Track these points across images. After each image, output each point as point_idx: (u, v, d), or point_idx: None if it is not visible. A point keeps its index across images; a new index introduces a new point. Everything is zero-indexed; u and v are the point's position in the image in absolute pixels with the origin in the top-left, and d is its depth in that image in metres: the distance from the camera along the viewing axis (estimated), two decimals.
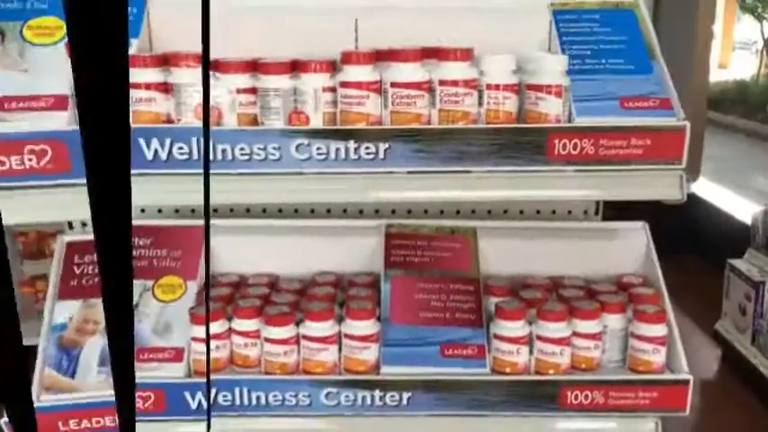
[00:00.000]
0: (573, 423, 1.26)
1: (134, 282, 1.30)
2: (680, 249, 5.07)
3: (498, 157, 1.17)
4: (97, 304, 1.24)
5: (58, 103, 1.06)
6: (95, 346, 1.24)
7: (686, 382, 1.23)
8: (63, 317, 1.26)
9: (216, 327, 1.25)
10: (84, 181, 1.04)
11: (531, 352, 1.26)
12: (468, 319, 1.30)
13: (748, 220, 3.91)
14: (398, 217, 1.49)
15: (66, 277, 1.30)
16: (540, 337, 1.25)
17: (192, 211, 1.54)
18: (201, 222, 1.41)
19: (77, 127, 1.03)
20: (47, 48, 1.10)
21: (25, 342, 1.20)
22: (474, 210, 1.57)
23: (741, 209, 4.67)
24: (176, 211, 1.54)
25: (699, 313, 4.23)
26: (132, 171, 1.11)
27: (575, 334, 1.26)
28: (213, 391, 1.22)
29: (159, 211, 1.53)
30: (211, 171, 1.17)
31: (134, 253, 1.34)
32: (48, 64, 1.09)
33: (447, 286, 1.34)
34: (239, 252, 1.43)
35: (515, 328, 1.25)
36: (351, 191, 1.19)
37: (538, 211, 1.57)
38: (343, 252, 1.44)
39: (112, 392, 1.17)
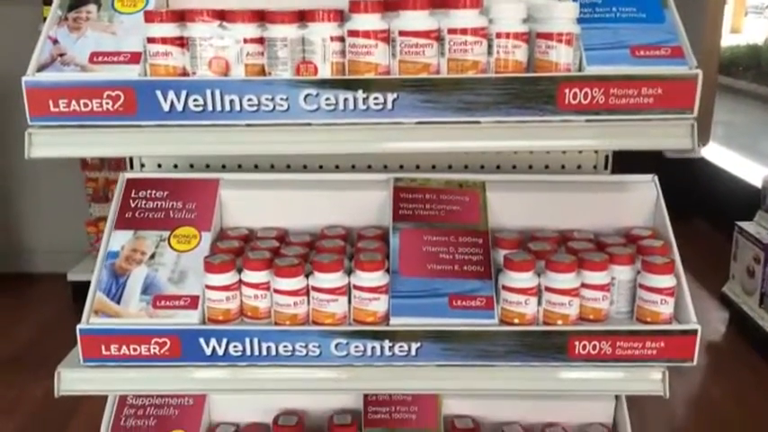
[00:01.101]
0: (580, 373, 1.26)
1: (151, 232, 1.33)
2: (689, 213, 5.08)
3: (508, 107, 1.16)
4: (146, 236, 1.34)
5: (134, 58, 1.20)
6: (140, 275, 1.30)
7: (694, 332, 1.23)
8: (117, 245, 1.33)
9: (226, 279, 1.26)
10: (147, 123, 1.13)
11: (539, 303, 1.27)
12: (477, 271, 1.31)
13: (758, 184, 3.89)
14: (407, 172, 1.48)
15: (122, 210, 1.38)
16: (548, 289, 1.25)
17: (207, 166, 1.55)
18: (216, 176, 1.42)
19: (146, 78, 1.17)
20: (131, 15, 1.25)
21: (82, 278, 1.25)
22: (483, 165, 1.57)
23: (751, 173, 4.64)
24: (191, 166, 1.55)
25: (706, 276, 4.23)
26: (150, 122, 1.14)
27: (583, 285, 1.26)
28: (224, 341, 1.24)
29: (175, 166, 1.55)
30: (219, 122, 1.17)
31: (151, 205, 1.37)
32: (130, 28, 1.23)
33: (455, 239, 1.35)
34: (248, 206, 1.44)
35: (524, 279, 1.25)
36: (359, 142, 1.19)
37: (547, 167, 1.57)
38: (351, 206, 1.44)
39: (151, 321, 1.21)
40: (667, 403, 3.25)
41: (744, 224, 3.76)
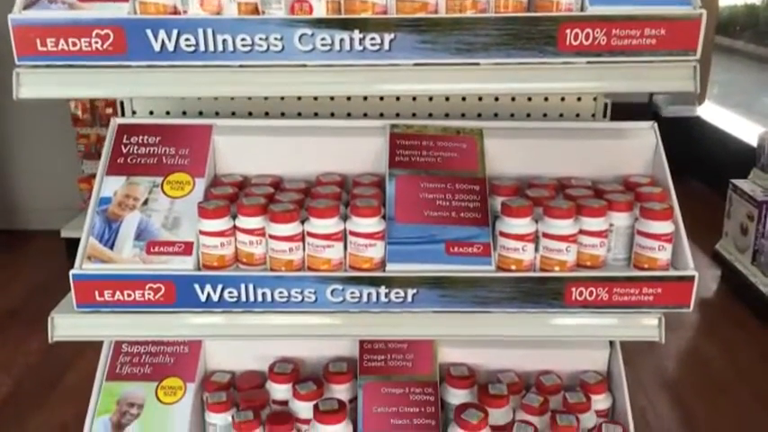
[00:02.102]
0: (577, 319, 1.26)
1: (143, 178, 1.31)
2: (684, 173, 5.05)
3: (507, 49, 1.13)
4: (139, 182, 1.32)
5: None
6: (133, 221, 1.28)
7: (691, 278, 1.23)
8: (109, 191, 1.31)
9: (220, 224, 1.24)
10: (137, 63, 1.10)
11: (536, 250, 1.26)
12: (474, 218, 1.30)
13: (754, 143, 3.88)
14: (403, 120, 1.46)
15: (114, 155, 1.36)
16: (545, 235, 1.24)
17: (200, 113, 1.53)
18: (209, 122, 1.39)
19: (136, 16, 1.12)
20: None
21: (76, 234, 1.20)
22: (480, 114, 1.55)
23: (747, 131, 4.62)
24: (183, 113, 1.53)
25: (700, 235, 4.24)
26: (141, 63, 1.11)
27: (581, 231, 1.25)
28: (219, 287, 1.23)
29: (167, 113, 1.52)
30: (212, 63, 1.14)
31: (143, 150, 1.34)
32: None
33: (452, 186, 1.33)
34: (242, 153, 1.41)
35: (521, 225, 1.24)
36: (355, 84, 1.16)
37: (545, 115, 1.55)
38: (347, 153, 1.42)
39: (145, 267, 1.20)
40: (659, 358, 3.30)
41: (738, 182, 3.76)
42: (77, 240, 1.26)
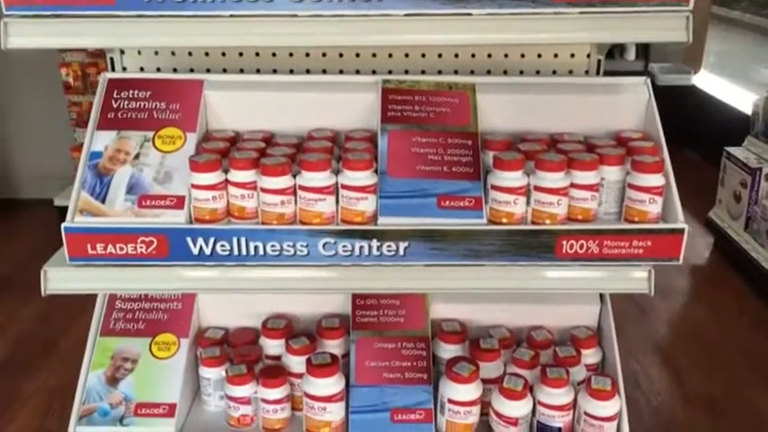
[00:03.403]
0: (567, 272, 1.27)
1: (134, 132, 1.30)
2: (679, 143, 5.05)
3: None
4: (130, 136, 1.31)
5: None
6: (125, 175, 1.27)
7: (681, 231, 1.24)
8: (99, 146, 1.30)
9: (212, 178, 1.24)
10: (126, 13, 1.09)
11: (527, 203, 1.26)
12: (466, 172, 1.30)
13: (749, 111, 3.88)
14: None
15: (104, 110, 1.35)
16: (537, 188, 1.25)
17: (191, 70, 1.52)
18: (200, 77, 1.38)
19: None
20: None
21: (68, 203, 1.17)
22: (473, 71, 1.54)
23: (742, 100, 4.62)
24: (174, 70, 1.52)
25: (694, 204, 4.25)
26: (129, 12, 1.10)
27: (572, 185, 1.25)
28: (211, 240, 1.23)
29: (158, 69, 1.51)
30: (203, 13, 1.13)
31: (134, 105, 1.33)
32: None
33: (445, 140, 1.33)
34: (234, 108, 1.41)
35: (513, 178, 1.24)
36: (346, 34, 1.16)
37: (538, 72, 1.54)
38: (339, 108, 1.41)
39: (136, 220, 1.20)
40: (651, 324, 3.33)
41: (732, 149, 3.77)
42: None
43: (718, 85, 5.19)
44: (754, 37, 7.69)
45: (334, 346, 1.44)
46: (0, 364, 2.94)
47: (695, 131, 5.06)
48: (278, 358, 1.45)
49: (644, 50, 5.43)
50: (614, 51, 5.25)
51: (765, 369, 2.93)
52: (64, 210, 1.24)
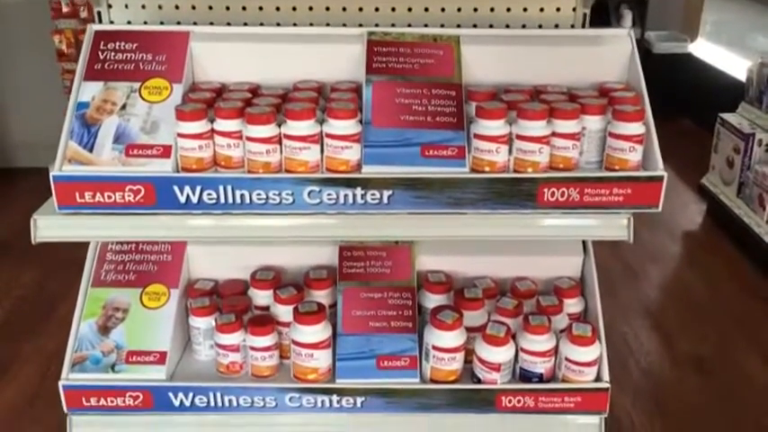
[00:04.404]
0: (549, 220, 1.29)
1: (121, 83, 1.32)
2: (675, 112, 5.07)
3: None
4: (117, 87, 1.33)
5: None
6: (112, 125, 1.29)
7: (660, 178, 1.25)
8: (87, 96, 1.32)
9: (198, 127, 1.26)
10: None
11: (510, 152, 1.28)
12: (450, 122, 1.31)
13: (744, 79, 3.87)
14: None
15: (91, 61, 1.36)
16: (519, 137, 1.26)
17: (178, 23, 1.52)
18: (186, 28, 1.39)
19: None
20: None
21: None
22: (459, 25, 1.55)
23: (738, 68, 4.61)
24: (161, 24, 1.52)
25: (687, 171, 4.29)
26: None
27: (554, 134, 1.27)
28: (198, 189, 1.25)
29: (144, 23, 1.52)
30: None
31: (120, 56, 1.34)
32: None
33: (429, 91, 1.34)
34: (220, 60, 1.42)
35: (495, 127, 1.26)
36: None
37: (524, 26, 1.55)
38: (325, 60, 1.42)
39: (123, 169, 1.22)
40: (642, 288, 3.36)
41: (726, 115, 3.78)
42: None
43: (714, 53, 5.18)
44: (751, 5, 7.65)
45: (321, 296, 1.47)
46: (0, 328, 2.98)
47: (691, 99, 5.06)
48: (266, 309, 1.48)
49: (640, 18, 5.41)
50: (611, 20, 5.23)
51: (754, 331, 2.98)
52: None
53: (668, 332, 2.97)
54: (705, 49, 5.22)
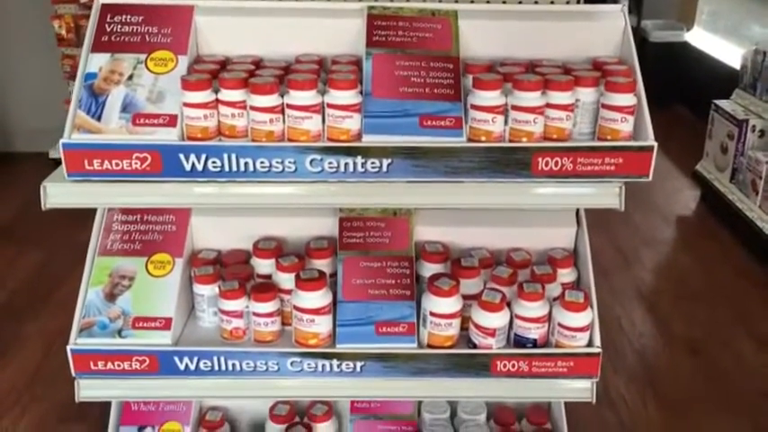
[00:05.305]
0: (543, 188, 1.33)
1: (127, 55, 1.35)
2: (670, 100, 5.11)
3: None
4: (123, 58, 1.36)
5: None
6: (119, 95, 1.33)
7: (651, 148, 1.29)
8: (94, 67, 1.35)
9: (202, 96, 1.29)
10: None
11: (506, 123, 1.32)
12: (447, 94, 1.35)
13: (738, 67, 3.91)
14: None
15: (98, 33, 1.40)
16: (514, 107, 1.30)
17: None
18: (190, 2, 1.43)
19: None
20: None
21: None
22: (457, 0, 1.58)
23: (733, 56, 4.65)
24: None
25: (682, 158, 4.33)
26: None
27: (548, 105, 1.31)
28: (203, 157, 1.29)
29: None
30: None
31: (126, 29, 1.38)
32: None
33: (427, 64, 1.38)
34: (224, 34, 1.45)
35: (491, 97, 1.30)
36: None
37: (520, 2, 1.58)
38: (326, 34, 1.46)
39: (131, 137, 1.25)
40: (636, 272, 3.41)
41: (720, 102, 3.82)
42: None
43: (710, 41, 5.21)
44: None
45: (322, 265, 1.51)
46: (0, 310, 3.02)
47: (686, 88, 5.10)
48: (268, 277, 1.52)
49: (637, 7, 5.44)
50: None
51: (747, 314, 3.02)
52: (59, 162, 1.29)
53: (661, 315, 3.02)
54: (701, 38, 5.26)
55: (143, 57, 1.37)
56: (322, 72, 1.40)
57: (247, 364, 1.42)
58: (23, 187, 4.11)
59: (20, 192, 4.06)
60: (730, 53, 4.78)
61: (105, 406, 1.70)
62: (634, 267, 3.40)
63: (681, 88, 5.02)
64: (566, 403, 1.76)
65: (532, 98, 1.29)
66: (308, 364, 1.42)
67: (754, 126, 3.56)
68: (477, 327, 1.42)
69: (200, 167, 1.29)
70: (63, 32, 4.02)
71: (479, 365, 1.43)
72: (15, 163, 4.50)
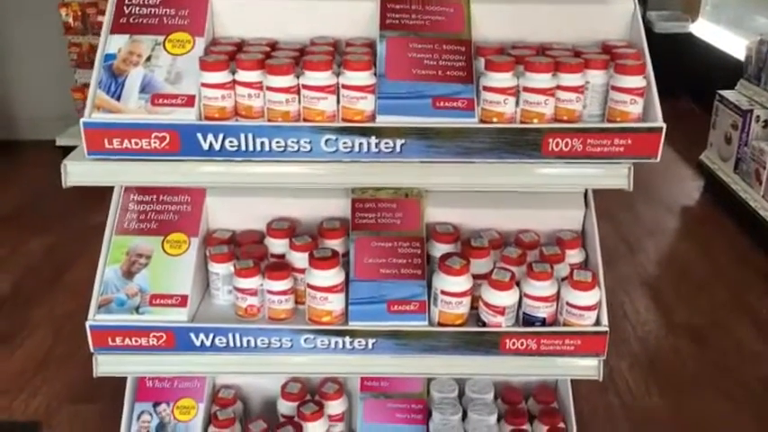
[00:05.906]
0: (553, 169, 1.35)
1: (145, 37, 1.38)
2: (675, 91, 5.11)
3: None
4: (141, 40, 1.39)
5: None
6: (138, 75, 1.35)
7: (659, 129, 1.32)
8: (113, 48, 1.38)
9: (220, 77, 1.32)
10: None
11: (517, 104, 1.34)
12: (459, 76, 1.37)
13: (743, 58, 3.93)
14: None
15: (117, 15, 1.42)
16: (525, 89, 1.33)
17: None
18: None
19: None
20: None
21: (71, 143, 1.25)
22: None
23: (737, 47, 4.66)
24: None
25: (686, 149, 4.35)
26: None
27: (558, 87, 1.33)
28: (220, 136, 1.31)
29: None
30: None
31: (144, 11, 1.40)
32: None
33: (440, 47, 1.40)
34: (239, 16, 1.48)
35: (503, 79, 1.32)
36: None
37: None
38: (340, 17, 1.48)
39: (150, 117, 1.28)
40: (639, 261, 3.43)
41: (724, 92, 3.84)
42: (73, 149, 1.34)
43: (714, 33, 5.22)
44: None
45: (335, 245, 1.54)
46: (8, 295, 3.05)
47: (691, 78, 5.11)
48: (282, 257, 1.55)
49: None
50: None
51: (749, 302, 3.05)
52: (66, 150, 1.32)
53: (665, 303, 3.05)
54: (705, 29, 5.27)
55: (161, 38, 1.39)
56: (336, 54, 1.43)
57: (262, 340, 1.45)
58: (31, 175, 4.15)
59: (27, 179, 4.09)
60: (734, 44, 4.79)
61: (116, 387, 1.73)
62: (638, 256, 3.43)
63: (685, 79, 5.03)
64: (570, 388, 1.79)
65: (544, 80, 1.31)
66: (321, 341, 1.45)
67: (758, 116, 3.58)
68: (487, 305, 1.45)
69: (217, 147, 1.32)
70: (70, 20, 4.04)
71: (489, 343, 1.45)
72: (23, 151, 4.53)
